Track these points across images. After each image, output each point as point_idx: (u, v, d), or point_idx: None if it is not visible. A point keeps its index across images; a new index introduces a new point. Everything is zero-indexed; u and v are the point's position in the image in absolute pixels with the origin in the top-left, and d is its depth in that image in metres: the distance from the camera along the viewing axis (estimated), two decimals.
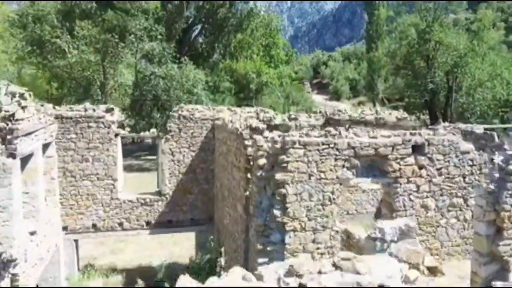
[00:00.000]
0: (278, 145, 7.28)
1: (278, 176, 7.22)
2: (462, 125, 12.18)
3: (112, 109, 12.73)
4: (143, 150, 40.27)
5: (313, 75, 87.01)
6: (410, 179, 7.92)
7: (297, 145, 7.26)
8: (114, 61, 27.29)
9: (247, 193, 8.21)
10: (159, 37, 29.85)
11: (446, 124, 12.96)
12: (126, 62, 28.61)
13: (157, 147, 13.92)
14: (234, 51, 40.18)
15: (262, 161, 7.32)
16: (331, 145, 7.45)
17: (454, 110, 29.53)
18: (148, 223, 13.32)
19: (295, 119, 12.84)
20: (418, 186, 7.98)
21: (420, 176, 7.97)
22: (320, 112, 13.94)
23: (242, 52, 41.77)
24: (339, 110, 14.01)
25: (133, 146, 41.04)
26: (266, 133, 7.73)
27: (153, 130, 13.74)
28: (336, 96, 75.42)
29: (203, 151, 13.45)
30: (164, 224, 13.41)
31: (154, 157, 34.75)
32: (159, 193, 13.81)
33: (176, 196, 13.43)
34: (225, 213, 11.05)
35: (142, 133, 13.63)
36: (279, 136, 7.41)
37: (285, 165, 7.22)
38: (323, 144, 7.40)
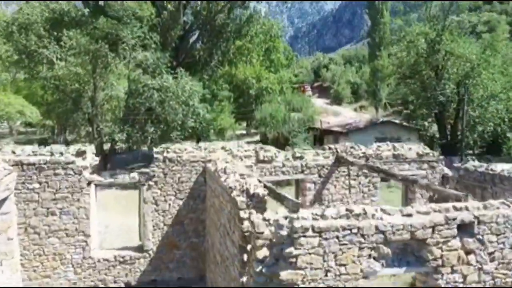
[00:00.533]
0: (284, 232, 5.40)
1: (284, 274, 5.35)
2: (496, 166, 10.29)
3: (84, 152, 10.70)
4: (140, 160, 38.37)
5: (314, 78, 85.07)
6: (455, 267, 6.05)
7: (309, 233, 5.39)
8: (105, 72, 25.38)
9: (244, 279, 6.33)
10: (154, 46, 27.92)
11: (476, 163, 11.08)
12: (118, 73, 26.70)
13: (139, 194, 11.85)
14: (233, 57, 38.28)
15: (262, 253, 5.44)
16: (354, 230, 5.58)
17: (465, 123, 27.59)
18: (127, 284, 11.35)
19: (301, 158, 10.95)
20: (464, 276, 6.12)
21: (468, 263, 6.10)
22: (330, 148, 11.97)
23: (241, 58, 39.85)
24: (352, 147, 12.04)
25: (129, 156, 38.78)
26: (269, 214, 5.77)
27: (133, 174, 11.59)
28: (337, 100, 73.50)
29: (192, 199, 11.47)
30: (147, 285, 11.39)
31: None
32: (141, 248, 11.76)
33: (161, 251, 11.46)
34: (218, 276, 9.17)
35: (120, 177, 11.39)
36: (286, 218, 5.50)
37: (293, 259, 5.36)
38: (344, 229, 5.53)
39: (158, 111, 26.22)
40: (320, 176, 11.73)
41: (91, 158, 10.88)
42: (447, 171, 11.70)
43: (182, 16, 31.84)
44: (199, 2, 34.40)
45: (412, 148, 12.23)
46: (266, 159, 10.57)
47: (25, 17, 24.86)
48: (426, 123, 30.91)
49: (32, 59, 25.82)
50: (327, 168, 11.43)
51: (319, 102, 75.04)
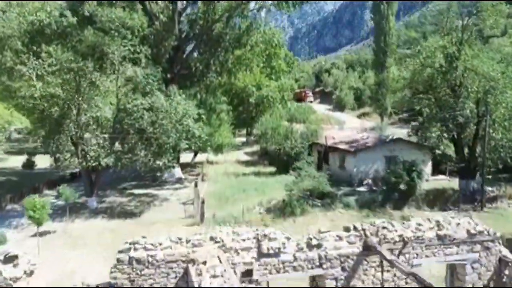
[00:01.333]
0: None
1: None
2: None
3: (16, 256, 7.86)
4: (132, 178, 35.22)
5: (315, 83, 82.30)
6: None
7: None
8: (90, 92, 22.64)
9: None
10: (144, 60, 25.12)
11: None
12: (105, 90, 23.92)
13: None
14: (232, 67, 35.49)
15: None
16: None
17: (486, 145, 24.82)
18: None
19: (318, 246, 8.17)
20: None
21: None
22: (355, 229, 9.00)
23: (241, 68, 37.07)
24: (384, 227, 9.15)
25: (120, 172, 35.05)
26: None
27: None
28: (339, 106, 70.73)
29: None
30: None
31: (145, 191, 30.14)
32: None
33: None
34: None
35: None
36: None
37: None
38: None
39: (150, 132, 23.49)
40: (343, 270, 8.99)
41: (27, 267, 7.88)
42: (505, 252, 8.96)
43: (176, 26, 29.10)
44: (195, 11, 31.67)
45: (461, 224, 9.38)
46: (271, 251, 7.75)
47: (0, 31, 22.07)
48: (440, 144, 28.06)
49: (10, 76, 23.09)
50: (352, 259, 8.51)
51: (320, 108, 72.21)
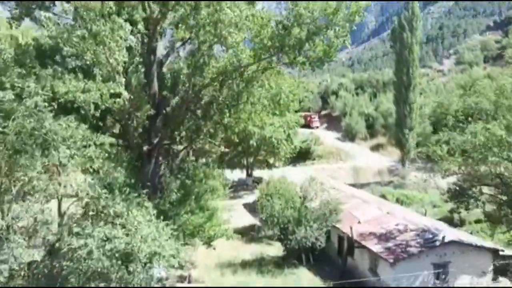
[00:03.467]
0: None
1: None
2: None
3: None
4: None
5: (322, 105, 73.85)
6: None
7: None
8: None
9: None
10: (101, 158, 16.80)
11: None
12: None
13: None
14: (228, 123, 27.19)
15: None
16: None
17: None
18: None
19: None
20: None
21: None
22: None
23: (239, 124, 28.73)
24: None
25: None
26: None
27: None
28: (349, 135, 62.47)
29: None
30: None
31: None
32: None
33: None
34: None
35: None
36: None
37: None
38: None
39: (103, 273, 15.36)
40: None
41: None
42: None
43: (155, 85, 20.84)
44: (180, 65, 23.43)
45: None
46: None
47: None
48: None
49: None
50: None
51: (328, 136, 63.90)
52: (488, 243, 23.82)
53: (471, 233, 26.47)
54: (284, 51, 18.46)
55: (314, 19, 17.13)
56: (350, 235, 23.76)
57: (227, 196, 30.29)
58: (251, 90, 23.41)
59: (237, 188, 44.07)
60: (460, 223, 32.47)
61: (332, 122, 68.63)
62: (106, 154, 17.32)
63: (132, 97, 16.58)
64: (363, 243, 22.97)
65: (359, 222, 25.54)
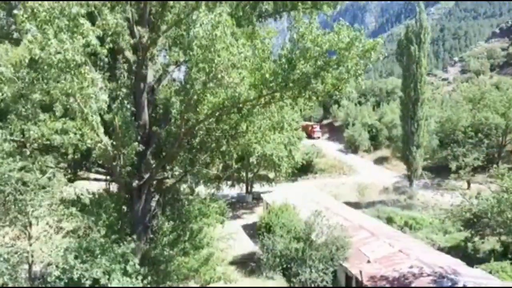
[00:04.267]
0: None
1: None
2: None
3: None
4: None
5: (323, 114, 71.59)
6: None
7: None
8: None
9: None
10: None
11: None
12: None
13: None
14: (227, 150, 24.96)
15: None
16: None
17: None
18: None
19: None
20: None
21: None
22: None
23: (237, 148, 26.47)
24: None
25: None
26: None
27: None
28: (352, 147, 60.27)
29: None
30: None
31: None
32: None
33: None
34: None
35: None
36: None
37: None
38: None
39: None
40: None
41: None
42: None
43: (146, 114, 18.62)
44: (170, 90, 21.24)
45: None
46: None
47: None
48: None
49: None
50: None
51: (330, 147, 61.73)
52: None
53: (490, 272, 24.25)
54: (288, 87, 16.16)
55: (323, 53, 14.87)
56: (360, 279, 21.57)
57: (225, 220, 28.14)
58: (251, 119, 21.20)
59: (236, 206, 41.93)
60: (474, 252, 30.40)
61: (334, 132, 66.46)
62: (86, 207, 15.23)
63: (114, 142, 14.32)
64: None
65: (368, 261, 23.33)
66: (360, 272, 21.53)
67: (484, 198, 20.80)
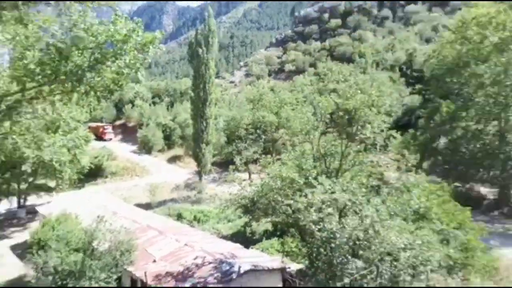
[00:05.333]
0: None
1: None
2: None
3: None
4: None
5: (116, 115, 68.13)
6: None
7: None
8: None
9: None
10: None
11: None
12: None
13: None
14: None
15: None
16: None
17: None
18: None
19: None
20: None
21: None
22: None
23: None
24: None
25: None
26: None
27: None
28: (146, 147, 59.26)
29: None
30: None
31: None
32: None
33: None
34: None
35: None
36: None
37: None
38: None
39: None
40: None
41: None
42: None
43: None
44: None
45: None
46: None
47: None
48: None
49: None
50: None
51: (124, 149, 59.36)
52: (277, 260, 24.83)
53: (262, 250, 27.38)
54: (59, 80, 14.29)
55: (100, 44, 13.61)
56: (144, 280, 21.01)
57: None
58: (16, 118, 18.12)
59: (4, 224, 35.62)
60: (252, 235, 33.86)
61: (128, 133, 64.27)
62: None
63: None
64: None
65: (154, 261, 23.03)
66: (145, 273, 20.99)
67: (254, 185, 23.14)
